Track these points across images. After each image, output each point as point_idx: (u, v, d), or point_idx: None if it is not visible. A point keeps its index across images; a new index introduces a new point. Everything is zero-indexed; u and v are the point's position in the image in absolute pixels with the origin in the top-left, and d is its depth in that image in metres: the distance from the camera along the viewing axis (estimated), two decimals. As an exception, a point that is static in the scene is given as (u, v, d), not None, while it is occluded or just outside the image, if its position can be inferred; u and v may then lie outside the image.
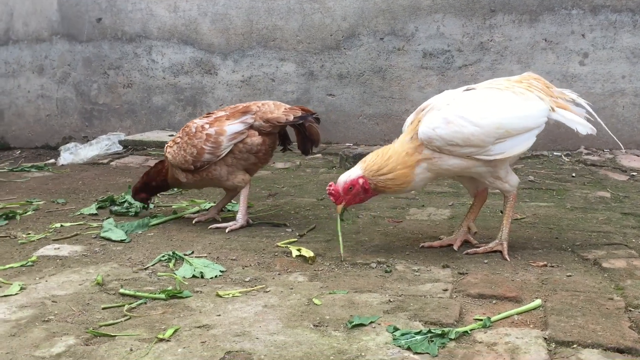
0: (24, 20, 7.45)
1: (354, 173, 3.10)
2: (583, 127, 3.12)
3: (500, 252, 3.18)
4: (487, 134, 2.96)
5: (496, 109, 3.01)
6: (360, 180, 3.07)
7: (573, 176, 5.15)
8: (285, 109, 3.76)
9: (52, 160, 6.55)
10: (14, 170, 5.94)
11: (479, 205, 3.39)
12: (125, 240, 3.55)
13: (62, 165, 6.28)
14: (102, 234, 3.63)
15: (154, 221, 3.90)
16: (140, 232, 3.72)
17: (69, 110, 7.48)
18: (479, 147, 2.98)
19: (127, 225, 3.78)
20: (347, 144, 6.58)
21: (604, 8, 5.89)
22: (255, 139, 3.72)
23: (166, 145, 3.90)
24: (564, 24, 5.99)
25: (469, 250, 3.23)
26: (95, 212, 4.20)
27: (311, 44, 6.63)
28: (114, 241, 3.53)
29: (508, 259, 3.11)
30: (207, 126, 3.74)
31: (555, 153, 5.94)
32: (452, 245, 3.31)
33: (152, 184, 3.96)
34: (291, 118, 3.71)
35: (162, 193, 4.25)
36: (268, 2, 6.67)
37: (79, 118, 7.46)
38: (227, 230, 3.71)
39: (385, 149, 3.11)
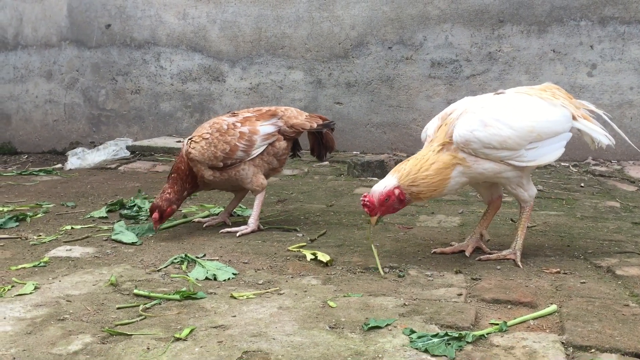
0: (33, 26, 7.49)
1: (389, 183, 3.00)
2: (606, 138, 3.20)
3: (513, 260, 3.17)
4: (522, 137, 3.00)
5: (529, 113, 3.07)
6: (397, 191, 2.99)
7: (582, 186, 5.16)
8: (306, 116, 3.88)
9: (59, 165, 6.56)
10: (23, 173, 5.95)
11: (493, 213, 3.40)
12: (136, 242, 3.55)
13: (70, 169, 6.28)
14: (113, 237, 3.63)
15: (164, 225, 3.90)
16: (150, 235, 3.72)
17: (77, 115, 7.50)
18: (514, 150, 3.00)
19: (138, 228, 3.78)
20: (354, 152, 6.60)
21: (613, 20, 5.92)
22: (283, 143, 3.80)
23: (188, 141, 3.75)
24: (572, 35, 6.02)
25: (481, 257, 3.23)
26: (105, 215, 4.20)
27: (319, 52, 6.65)
28: (126, 243, 3.53)
29: (521, 266, 3.10)
30: (238, 124, 3.75)
31: (563, 164, 5.95)
32: (464, 251, 3.31)
33: (183, 193, 3.74)
34: (315, 125, 3.81)
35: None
36: (277, 10, 6.71)
37: (86, 123, 7.48)
38: (238, 235, 3.71)
39: (417, 157, 3.05)
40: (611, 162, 5.97)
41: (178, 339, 2.25)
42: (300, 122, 3.81)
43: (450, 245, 3.43)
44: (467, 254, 3.29)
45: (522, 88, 3.33)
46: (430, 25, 6.34)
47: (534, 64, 6.12)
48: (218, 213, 4.18)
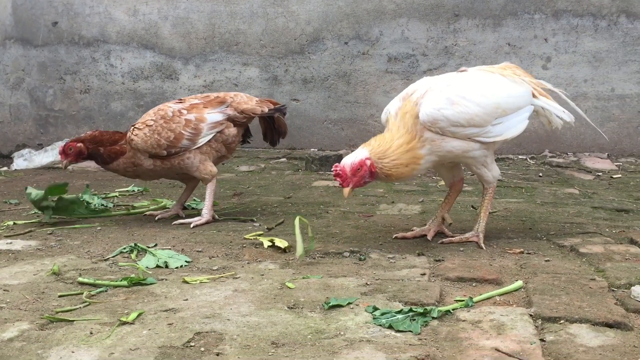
0: (-25, 24, 7.17)
1: (361, 154, 2.88)
2: (566, 115, 3.19)
3: (476, 242, 3.10)
4: (488, 114, 2.95)
5: (494, 90, 3.02)
6: (368, 162, 2.85)
7: (540, 176, 5.14)
8: (256, 101, 3.74)
9: (5, 168, 6.27)
10: (-37, 175, 5.65)
11: (454, 196, 3.32)
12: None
13: (15, 170, 6.01)
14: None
15: (114, 212, 3.71)
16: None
17: (23, 117, 7.20)
18: (480, 127, 2.95)
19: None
20: (312, 149, 6.47)
21: (566, 12, 5.95)
22: (232, 130, 3.65)
23: (131, 127, 3.62)
24: (527, 28, 6.03)
25: (444, 240, 3.15)
26: (50, 210, 3.98)
27: (275, 49, 6.53)
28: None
29: (484, 247, 3.03)
30: (184, 111, 3.59)
31: (520, 156, 5.94)
32: (426, 235, 3.22)
33: (98, 148, 3.59)
34: (266, 110, 3.68)
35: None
36: (231, 5, 6.56)
37: (33, 125, 7.18)
38: (192, 225, 3.55)
39: (385, 136, 2.93)
40: (567, 154, 5.98)
41: (124, 323, 2.09)
42: (251, 108, 3.67)
43: (412, 230, 3.33)
44: (429, 237, 3.20)
45: (483, 67, 3.28)
46: (386, 19, 6.28)
47: (490, 58, 6.10)
48: (171, 206, 4.01)
